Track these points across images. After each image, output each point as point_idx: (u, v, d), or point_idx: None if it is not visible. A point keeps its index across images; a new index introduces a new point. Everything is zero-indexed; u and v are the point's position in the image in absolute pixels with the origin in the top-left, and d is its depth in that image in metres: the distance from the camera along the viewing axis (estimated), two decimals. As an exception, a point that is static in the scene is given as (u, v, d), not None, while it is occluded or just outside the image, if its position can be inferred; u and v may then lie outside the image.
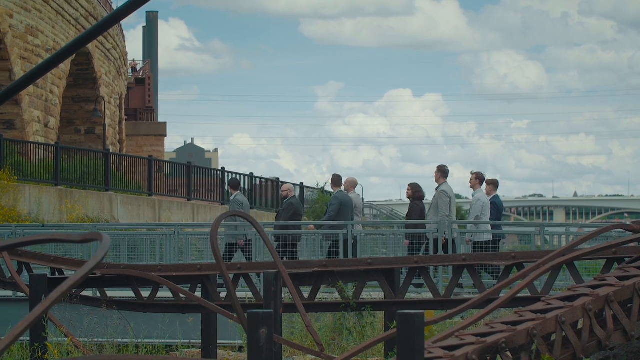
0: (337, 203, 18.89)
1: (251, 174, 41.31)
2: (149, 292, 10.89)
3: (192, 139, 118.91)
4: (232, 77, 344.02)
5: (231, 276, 10.33)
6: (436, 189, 18.24)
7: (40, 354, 9.93)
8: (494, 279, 16.22)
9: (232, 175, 36.59)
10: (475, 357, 5.66)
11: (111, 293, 12.69)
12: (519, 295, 8.27)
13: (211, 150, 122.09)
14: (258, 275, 13.91)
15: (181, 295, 10.42)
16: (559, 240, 19.18)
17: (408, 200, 19.30)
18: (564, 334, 6.41)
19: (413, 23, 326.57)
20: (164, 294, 12.29)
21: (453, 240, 17.71)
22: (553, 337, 6.44)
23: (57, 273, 11.42)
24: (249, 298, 11.35)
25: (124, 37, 54.07)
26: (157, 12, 73.39)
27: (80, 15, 41.44)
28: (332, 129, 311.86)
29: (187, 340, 12.03)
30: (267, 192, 43.16)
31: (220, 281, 11.54)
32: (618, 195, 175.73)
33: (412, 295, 10.60)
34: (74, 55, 37.73)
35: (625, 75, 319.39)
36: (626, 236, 8.36)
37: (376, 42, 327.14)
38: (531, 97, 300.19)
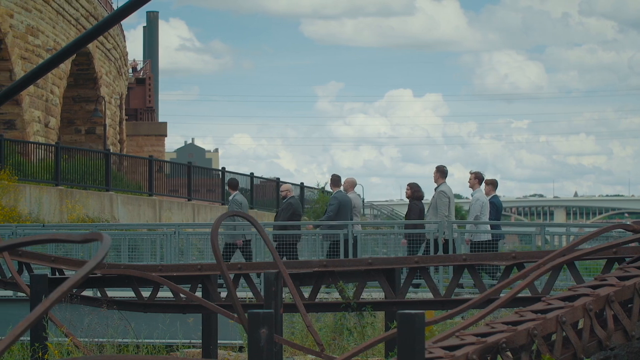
0: (336, 203, 18.89)
1: (251, 174, 41.31)
2: (150, 292, 10.89)
3: (193, 139, 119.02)
4: (232, 77, 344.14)
5: (231, 276, 10.33)
6: (435, 189, 18.23)
7: (40, 354, 9.93)
8: (492, 279, 16.22)
9: (232, 176, 36.59)
10: (475, 357, 5.66)
11: (112, 293, 12.69)
12: (519, 295, 8.26)
13: (211, 150, 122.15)
14: (258, 275, 13.92)
15: (182, 295, 10.42)
16: (559, 240, 19.18)
17: (408, 200, 19.30)
18: (564, 334, 6.41)
19: (413, 23, 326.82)
20: (165, 294, 12.29)
21: (453, 240, 17.72)
22: (553, 337, 6.44)
23: (57, 273, 11.42)
24: (249, 298, 11.35)
25: (124, 37, 54.06)
26: (158, 12, 73.46)
27: (81, 15, 41.43)
28: (332, 129, 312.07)
29: (188, 340, 12.03)
30: (267, 192, 43.16)
31: (220, 281, 11.54)
32: (618, 195, 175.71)
33: (408, 295, 10.58)
34: (74, 55, 37.73)
35: (625, 75, 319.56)
36: (626, 236, 8.35)
37: (377, 42, 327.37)
38: (531, 97, 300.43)
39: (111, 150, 39.09)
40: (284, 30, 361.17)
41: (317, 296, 10.34)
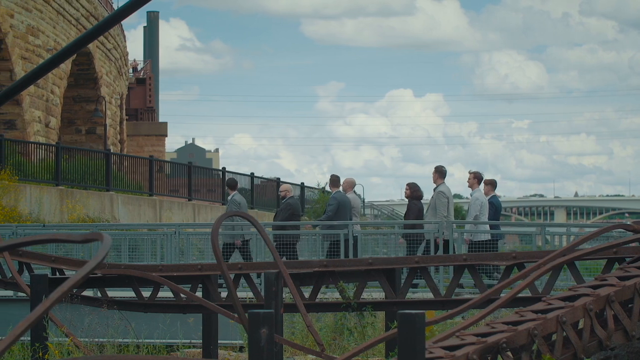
0: (335, 204, 18.91)
1: (252, 174, 41.32)
2: (150, 292, 10.89)
3: (193, 139, 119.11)
4: (232, 77, 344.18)
5: (232, 276, 10.34)
6: (434, 190, 18.23)
7: (41, 354, 9.93)
8: (489, 279, 16.22)
9: (232, 176, 36.60)
10: (476, 357, 5.66)
11: (112, 293, 12.70)
12: (519, 295, 8.27)
13: (212, 150, 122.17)
14: (259, 275, 13.92)
15: (182, 295, 10.42)
16: (559, 240, 19.19)
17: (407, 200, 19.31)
18: (564, 334, 6.41)
19: (414, 23, 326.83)
20: (165, 294, 12.29)
21: (453, 240, 17.72)
22: (554, 337, 6.44)
23: (57, 273, 11.42)
24: (249, 298, 11.36)
25: (124, 37, 54.07)
26: (158, 12, 73.46)
27: (81, 15, 41.43)
28: (333, 129, 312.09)
29: (188, 340, 12.03)
30: (268, 192, 43.18)
31: (221, 281, 11.54)
32: (619, 195, 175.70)
33: (407, 295, 10.59)
34: (74, 55, 37.73)
35: (625, 75, 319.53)
36: (627, 236, 8.35)
37: (377, 42, 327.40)
38: (532, 97, 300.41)
39: (112, 150, 39.09)
40: (284, 30, 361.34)
41: (318, 296, 10.34)
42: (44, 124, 36.70)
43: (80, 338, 10.41)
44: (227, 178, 34.35)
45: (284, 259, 17.12)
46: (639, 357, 7.32)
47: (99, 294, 11.85)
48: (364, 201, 58.39)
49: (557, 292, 8.25)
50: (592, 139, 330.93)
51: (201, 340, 10.82)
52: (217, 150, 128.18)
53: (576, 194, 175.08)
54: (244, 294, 12.77)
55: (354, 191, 20.33)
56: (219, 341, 10.93)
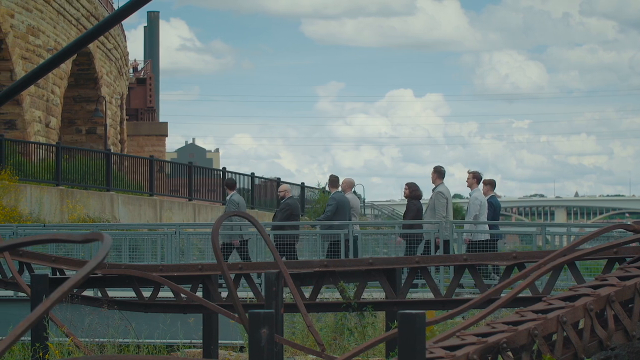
0: (334, 204, 18.91)
1: (252, 174, 41.32)
2: (150, 292, 10.89)
3: (193, 139, 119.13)
4: (233, 77, 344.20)
5: (232, 276, 10.34)
6: (433, 190, 18.22)
7: (41, 354, 9.93)
8: (487, 279, 16.22)
9: (233, 176, 36.60)
10: (476, 357, 5.66)
11: (112, 293, 12.70)
12: (520, 295, 8.26)
13: (212, 150, 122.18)
14: (259, 275, 13.92)
15: (182, 295, 10.42)
16: (560, 240, 19.21)
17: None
18: (565, 334, 6.41)
19: (414, 23, 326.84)
20: (165, 294, 12.29)
21: (453, 240, 17.72)
22: (554, 337, 6.44)
23: (58, 273, 11.43)
24: (250, 298, 11.36)
25: (125, 37, 54.07)
26: (158, 12, 73.53)
27: (82, 15, 41.44)
28: (333, 129, 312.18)
29: (188, 340, 12.02)
30: (268, 192, 43.19)
31: (221, 281, 11.54)
32: (619, 195, 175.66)
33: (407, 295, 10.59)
34: (75, 55, 37.73)
35: (626, 75, 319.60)
36: (627, 236, 8.35)
37: (377, 42, 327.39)
38: (532, 97, 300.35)
39: (112, 150, 39.10)
40: (284, 30, 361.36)
41: (318, 296, 10.34)
42: (45, 124, 36.71)
43: (80, 338, 10.41)
44: (226, 178, 34.36)
45: (284, 259, 17.13)
46: (639, 357, 7.32)
47: (99, 294, 11.85)
48: (364, 201, 58.39)
49: (557, 292, 8.25)
50: (592, 139, 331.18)
51: (201, 340, 10.82)
52: (217, 150, 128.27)
53: (576, 194, 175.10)
54: (245, 294, 12.77)
55: (354, 191, 20.33)
56: (219, 341, 10.93)
